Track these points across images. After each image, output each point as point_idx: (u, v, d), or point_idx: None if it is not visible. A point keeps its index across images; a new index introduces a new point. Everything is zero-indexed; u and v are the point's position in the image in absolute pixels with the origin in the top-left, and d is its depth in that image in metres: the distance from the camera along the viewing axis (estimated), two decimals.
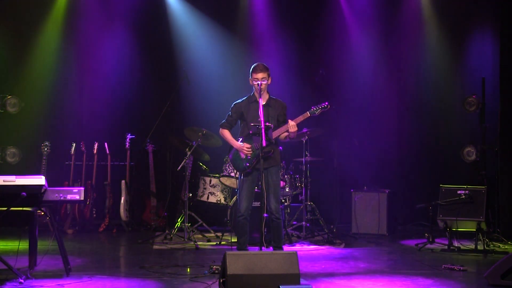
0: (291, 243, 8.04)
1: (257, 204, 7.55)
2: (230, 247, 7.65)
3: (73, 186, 9.13)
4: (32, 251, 6.17)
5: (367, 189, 9.11)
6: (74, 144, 9.37)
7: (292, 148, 8.76)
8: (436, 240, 7.98)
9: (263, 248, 6.11)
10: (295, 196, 8.82)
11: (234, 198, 8.17)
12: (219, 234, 8.47)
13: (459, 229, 7.84)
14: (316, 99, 7.74)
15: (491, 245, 7.82)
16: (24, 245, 6.36)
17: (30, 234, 6.17)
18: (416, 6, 9.96)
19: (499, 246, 7.92)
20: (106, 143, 9.49)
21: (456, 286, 5.83)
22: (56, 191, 6.03)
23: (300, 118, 6.59)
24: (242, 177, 6.73)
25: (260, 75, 6.58)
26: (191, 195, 8.75)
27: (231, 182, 8.34)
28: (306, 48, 10.22)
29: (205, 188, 8.74)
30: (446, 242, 7.81)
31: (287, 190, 8.40)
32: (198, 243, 7.99)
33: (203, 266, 6.56)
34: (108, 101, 10.00)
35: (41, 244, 6.57)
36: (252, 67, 6.67)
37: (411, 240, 8.58)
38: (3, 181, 5.72)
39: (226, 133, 6.86)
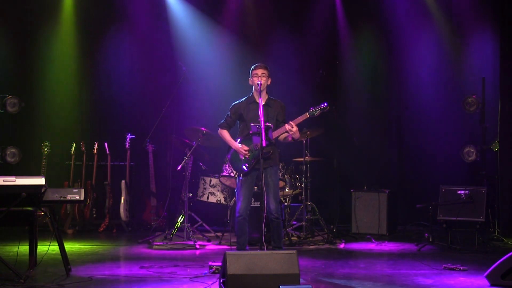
0: (291, 243, 8.04)
1: (256, 204, 7.55)
2: (230, 247, 7.65)
3: (73, 186, 9.14)
4: (32, 251, 6.17)
5: (367, 189, 9.11)
6: (74, 144, 9.38)
7: (292, 148, 8.76)
8: (436, 240, 7.98)
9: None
10: (295, 196, 8.82)
11: (234, 198, 8.16)
12: (219, 234, 8.47)
13: (459, 229, 7.85)
14: (315, 100, 7.74)
15: (491, 245, 7.82)
16: (24, 245, 6.36)
17: (30, 234, 6.16)
18: (416, 5, 9.96)
19: (499, 246, 7.92)
20: (106, 143, 9.50)
21: (456, 286, 5.83)
22: (56, 191, 6.04)
23: (299, 119, 6.59)
24: (240, 177, 6.73)
25: (260, 71, 6.61)
26: (191, 195, 8.75)
27: (231, 182, 8.34)
28: (306, 48, 10.21)
29: (205, 188, 8.74)
30: (446, 242, 7.81)
31: (287, 190, 8.40)
32: (198, 243, 8.00)
33: (203, 266, 6.57)
34: (108, 101, 10.01)
35: (41, 244, 6.56)
36: (252, 66, 6.71)
37: (411, 240, 8.58)
38: (3, 181, 5.72)
39: (225, 134, 6.87)
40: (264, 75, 6.61)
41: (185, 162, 8.18)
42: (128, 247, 8.18)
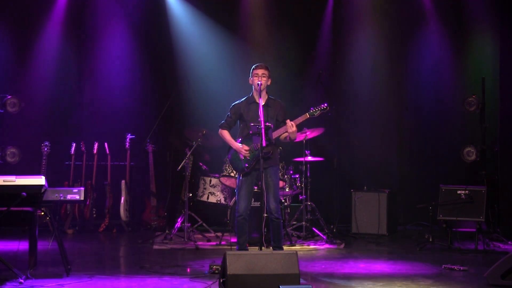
0: (291, 243, 8.04)
1: (257, 204, 7.56)
2: (230, 247, 7.65)
3: (73, 186, 9.13)
4: (32, 251, 6.18)
5: (367, 189, 9.11)
6: (74, 144, 9.37)
7: (292, 148, 8.76)
8: (436, 240, 7.98)
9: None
10: (295, 196, 8.82)
11: (234, 198, 8.16)
12: (219, 234, 8.46)
13: (459, 229, 7.84)
14: (315, 100, 7.75)
15: (491, 245, 7.82)
16: (24, 245, 6.36)
17: (30, 234, 6.17)
18: (416, 6, 9.95)
19: (499, 246, 7.92)
20: (106, 143, 9.49)
21: (456, 286, 5.83)
22: (56, 191, 6.05)
23: (299, 119, 6.59)
24: (241, 177, 6.73)
25: (260, 71, 6.62)
26: (191, 195, 8.75)
27: (231, 182, 8.34)
28: (306, 48, 10.20)
29: (205, 188, 8.74)
30: (446, 242, 7.81)
31: (287, 190, 8.40)
32: (198, 243, 8.00)
33: (203, 266, 6.57)
34: (108, 101, 10.01)
35: (41, 244, 6.56)
36: (253, 66, 6.71)
37: (411, 240, 8.58)
38: (3, 181, 5.72)
39: (226, 134, 6.87)
40: (264, 75, 6.61)
41: (185, 162, 8.18)
42: (128, 247, 8.18)
